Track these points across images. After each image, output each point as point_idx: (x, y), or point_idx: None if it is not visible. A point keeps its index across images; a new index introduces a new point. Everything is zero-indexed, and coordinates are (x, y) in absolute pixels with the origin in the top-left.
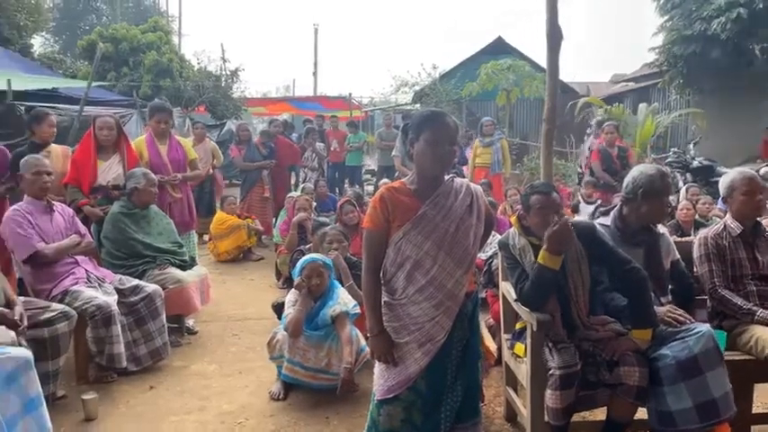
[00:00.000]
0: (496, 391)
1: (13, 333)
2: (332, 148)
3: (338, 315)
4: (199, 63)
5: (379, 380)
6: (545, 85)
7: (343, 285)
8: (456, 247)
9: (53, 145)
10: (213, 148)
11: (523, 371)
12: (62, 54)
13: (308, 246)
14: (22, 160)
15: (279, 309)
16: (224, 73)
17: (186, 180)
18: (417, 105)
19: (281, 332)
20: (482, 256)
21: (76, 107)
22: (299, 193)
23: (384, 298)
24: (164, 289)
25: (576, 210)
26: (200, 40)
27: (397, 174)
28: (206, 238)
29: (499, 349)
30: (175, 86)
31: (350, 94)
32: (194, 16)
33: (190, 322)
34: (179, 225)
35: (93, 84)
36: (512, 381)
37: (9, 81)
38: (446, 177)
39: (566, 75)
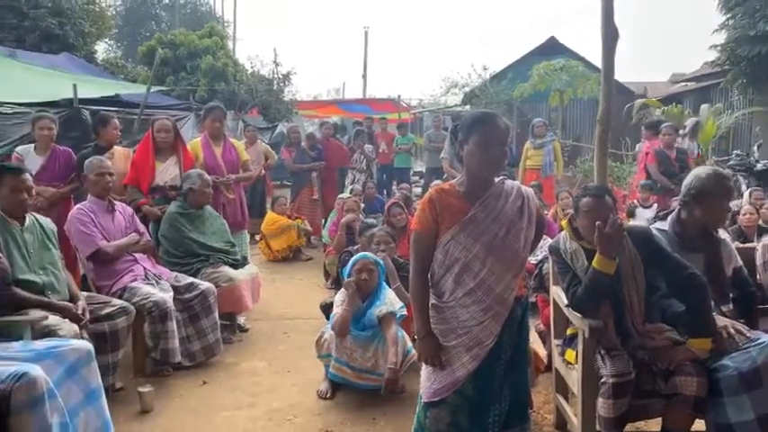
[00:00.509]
0: (546, 397)
1: (76, 326)
2: (380, 150)
3: (384, 316)
4: (252, 67)
5: (426, 382)
6: (600, 86)
7: (390, 287)
8: (506, 250)
9: (116, 147)
10: (265, 149)
11: (574, 378)
12: (124, 60)
13: (356, 247)
14: (86, 161)
15: (327, 309)
16: (276, 77)
17: (239, 181)
18: (467, 107)
19: (328, 331)
20: (532, 260)
21: (137, 110)
22: (347, 194)
23: (432, 300)
24: (216, 287)
25: (631, 214)
26: (254, 44)
27: (445, 176)
28: (257, 237)
29: (549, 355)
30: (230, 90)
31: (399, 97)
32: (248, 21)
33: (241, 320)
34: (232, 225)
35: (153, 88)
36: (562, 388)
37: (75, 86)
38: (496, 179)
39: (621, 75)
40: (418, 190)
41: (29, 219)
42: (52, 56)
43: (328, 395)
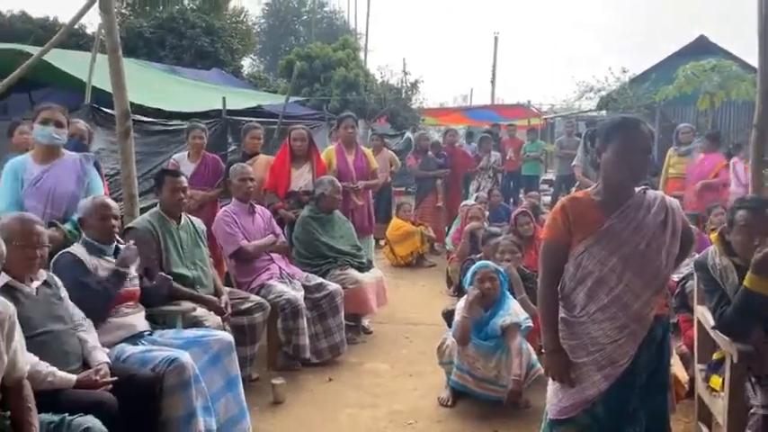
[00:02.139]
0: (686, 426)
1: (219, 318)
2: (507, 157)
3: (509, 326)
4: (382, 77)
5: (553, 399)
6: (756, 87)
7: (515, 297)
8: (646, 265)
9: (260, 155)
10: (391, 156)
11: (720, 407)
12: (266, 73)
13: (479, 255)
14: (231, 168)
15: (449, 316)
16: (404, 85)
17: (368, 188)
18: (603, 112)
19: (450, 338)
20: (675, 276)
21: (276, 120)
22: (472, 201)
23: (561, 314)
24: (343, 288)
25: None
26: (385, 54)
27: (577, 184)
28: (382, 243)
29: (691, 380)
30: (360, 99)
31: (528, 102)
32: (380, 32)
33: (365, 322)
34: (359, 230)
35: (290, 99)
36: (705, 416)
37: (224, 99)
38: (637, 189)
39: None
40: (547, 199)
41: (184, 218)
42: (205, 71)
43: (449, 402)
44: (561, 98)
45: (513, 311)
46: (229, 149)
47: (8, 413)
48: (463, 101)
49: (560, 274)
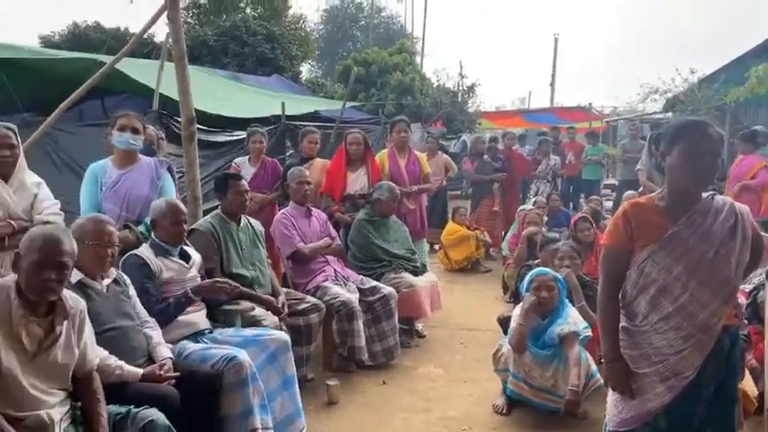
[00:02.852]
0: None
1: (276, 318)
2: (567, 161)
3: (567, 335)
4: (438, 80)
5: (613, 410)
6: None
7: (574, 305)
8: (713, 274)
9: (317, 159)
10: (446, 160)
11: None
12: (323, 79)
13: (536, 261)
14: (289, 171)
15: (505, 323)
16: (461, 89)
17: (420, 192)
18: (669, 114)
19: (506, 346)
20: (746, 286)
21: (333, 125)
22: (530, 206)
23: (622, 323)
24: (397, 292)
25: None
26: (441, 57)
27: (641, 189)
28: (436, 247)
29: (761, 396)
30: (416, 104)
31: (590, 104)
32: (437, 36)
33: (419, 326)
34: (411, 234)
35: (347, 104)
36: None
37: (283, 104)
38: (704, 194)
39: None
40: (609, 204)
41: (243, 220)
42: (265, 78)
43: (504, 410)
44: (624, 100)
45: (572, 320)
46: (288, 154)
47: (79, 404)
48: (521, 103)
49: (621, 281)
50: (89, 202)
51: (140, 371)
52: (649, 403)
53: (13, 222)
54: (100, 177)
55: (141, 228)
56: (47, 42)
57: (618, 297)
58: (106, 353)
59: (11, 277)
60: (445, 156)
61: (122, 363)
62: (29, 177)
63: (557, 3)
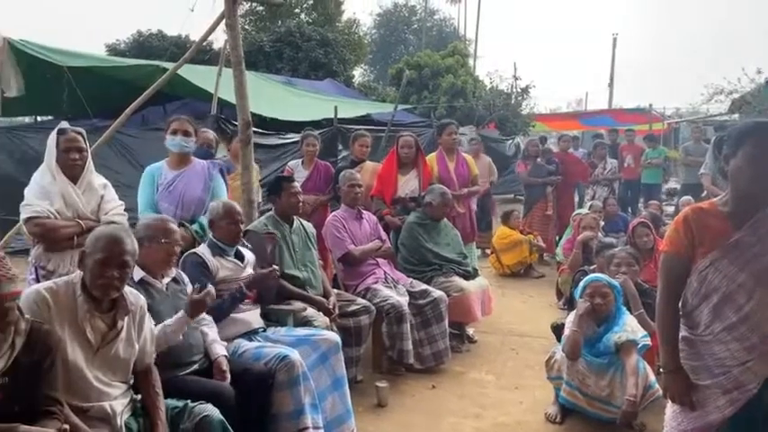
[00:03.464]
0: None
1: (327, 319)
2: (625, 165)
3: (624, 343)
4: (491, 82)
5: (672, 422)
6: None
7: (631, 313)
8: None
9: (367, 162)
10: (489, 163)
11: None
12: (375, 82)
13: (592, 267)
14: (340, 174)
15: (558, 329)
16: (515, 91)
17: (470, 195)
18: (735, 116)
19: (559, 353)
20: None
21: (384, 128)
22: (586, 210)
23: (682, 332)
24: (448, 296)
25: None
26: (494, 60)
27: (705, 193)
28: (487, 251)
29: None
30: (468, 106)
31: (650, 106)
32: (490, 38)
33: (470, 330)
34: (461, 237)
35: (398, 107)
36: None
37: (336, 108)
38: None
39: None
40: (670, 209)
41: (296, 222)
42: (318, 82)
43: (557, 419)
44: (687, 101)
45: (630, 328)
46: (340, 156)
47: (139, 396)
48: (577, 106)
49: (681, 289)
50: (146, 202)
51: (187, 317)
52: (710, 416)
53: (81, 222)
54: (156, 178)
55: (195, 226)
56: (113, 50)
57: (678, 305)
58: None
59: (77, 274)
60: (488, 158)
61: (165, 322)
62: (96, 179)
63: (615, 1)
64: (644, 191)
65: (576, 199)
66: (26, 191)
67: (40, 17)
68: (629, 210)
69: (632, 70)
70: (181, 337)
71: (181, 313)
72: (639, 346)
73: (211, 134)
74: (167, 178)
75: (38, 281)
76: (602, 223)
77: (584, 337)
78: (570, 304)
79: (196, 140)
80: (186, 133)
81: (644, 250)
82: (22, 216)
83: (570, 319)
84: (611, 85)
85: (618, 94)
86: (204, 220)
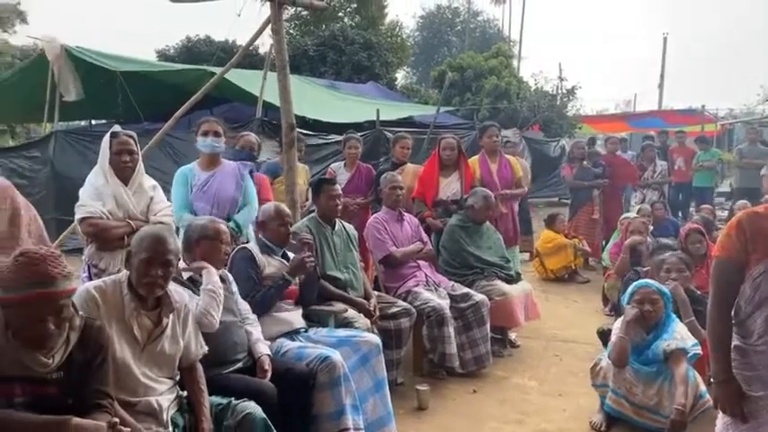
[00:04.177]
0: None
1: (368, 321)
2: (676, 167)
3: (673, 351)
4: (536, 84)
5: None
6: None
7: (681, 320)
8: None
9: (408, 164)
10: (526, 167)
11: None
12: (418, 84)
13: (645, 269)
14: (382, 176)
15: (605, 336)
16: (560, 92)
17: (513, 197)
18: None
19: (605, 360)
20: None
21: (426, 130)
22: (634, 214)
23: (735, 341)
24: (490, 300)
25: None
26: (539, 60)
27: (765, 197)
28: (526, 256)
29: None
30: (512, 108)
31: (702, 107)
32: (535, 38)
33: (512, 335)
34: (504, 240)
35: (441, 109)
36: None
37: (378, 111)
38: None
39: None
40: (724, 213)
41: (338, 224)
42: (361, 85)
43: (602, 428)
44: (741, 102)
45: (680, 335)
46: (381, 159)
47: (185, 393)
48: (626, 107)
49: (734, 296)
50: (180, 203)
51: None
52: (762, 428)
53: (131, 222)
54: (189, 179)
55: (231, 224)
56: (163, 56)
57: (730, 313)
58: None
59: (124, 273)
60: (524, 161)
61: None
62: (146, 181)
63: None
64: (696, 194)
65: (624, 203)
66: (81, 191)
67: (95, 25)
68: (680, 214)
69: (683, 70)
70: (216, 322)
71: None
72: (690, 354)
73: (253, 137)
74: (200, 179)
75: (90, 279)
76: (650, 228)
77: (631, 345)
78: (617, 310)
79: (236, 144)
80: (216, 134)
81: (696, 256)
82: (77, 216)
83: (617, 326)
84: (660, 85)
85: (668, 95)
86: (239, 218)
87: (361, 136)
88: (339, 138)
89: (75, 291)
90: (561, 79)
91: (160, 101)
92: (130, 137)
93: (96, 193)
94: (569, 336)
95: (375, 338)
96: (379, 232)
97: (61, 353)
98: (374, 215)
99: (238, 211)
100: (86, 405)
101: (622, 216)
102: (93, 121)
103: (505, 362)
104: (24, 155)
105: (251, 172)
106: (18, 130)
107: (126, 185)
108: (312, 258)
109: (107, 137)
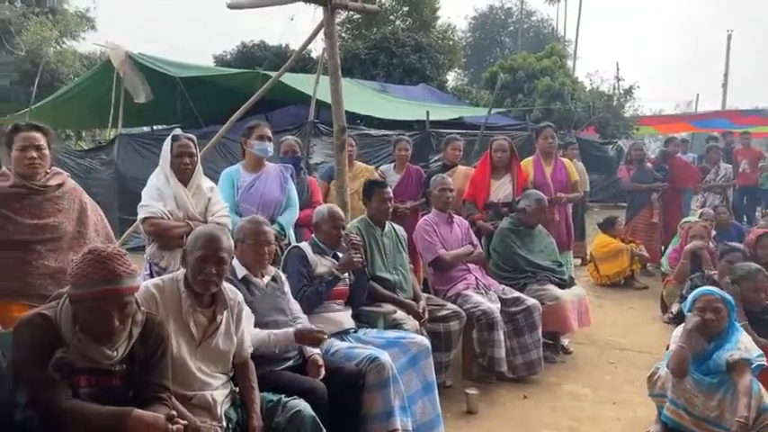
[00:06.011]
0: None
1: (417, 323)
2: (740, 170)
3: (737, 362)
4: (591, 84)
5: None
6: None
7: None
8: None
9: (459, 166)
10: (582, 169)
11: None
12: (469, 86)
13: (714, 272)
14: (432, 178)
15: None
16: (617, 92)
17: (568, 201)
18: None
19: (663, 369)
20: None
21: (478, 131)
22: (695, 218)
23: None
24: (542, 304)
25: None
26: (595, 60)
27: None
28: (577, 261)
29: None
30: (566, 109)
31: None
32: (591, 38)
33: (565, 341)
34: (557, 245)
35: (492, 110)
36: None
37: (428, 112)
38: None
39: None
40: None
41: (387, 225)
42: (411, 87)
43: None
44: None
45: (743, 346)
46: (431, 161)
47: (237, 388)
48: (687, 107)
49: None
50: (227, 203)
51: (292, 330)
52: None
53: (191, 223)
54: (235, 181)
55: (276, 226)
56: (220, 61)
57: None
58: (259, 330)
59: (181, 272)
60: (580, 163)
61: (273, 331)
62: (204, 182)
63: None
64: (762, 198)
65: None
66: (143, 192)
67: (157, 32)
68: (745, 218)
69: (749, 69)
70: (276, 350)
71: (289, 333)
72: (754, 365)
73: (291, 139)
74: (246, 181)
75: (152, 277)
76: (713, 232)
77: (692, 354)
78: (677, 318)
79: (279, 150)
80: (270, 139)
81: (765, 263)
82: (140, 216)
83: (677, 334)
84: (725, 85)
85: (732, 95)
86: (283, 220)
87: (410, 136)
88: (390, 132)
89: (138, 288)
90: (618, 79)
91: (217, 105)
92: (190, 140)
93: (158, 194)
94: (625, 343)
95: (424, 340)
96: (428, 234)
97: (124, 346)
98: (424, 217)
99: (282, 213)
100: (146, 397)
101: (683, 220)
102: (155, 127)
103: (558, 368)
104: (95, 157)
105: (299, 168)
106: (83, 134)
107: (186, 187)
108: (360, 256)
109: (168, 140)
